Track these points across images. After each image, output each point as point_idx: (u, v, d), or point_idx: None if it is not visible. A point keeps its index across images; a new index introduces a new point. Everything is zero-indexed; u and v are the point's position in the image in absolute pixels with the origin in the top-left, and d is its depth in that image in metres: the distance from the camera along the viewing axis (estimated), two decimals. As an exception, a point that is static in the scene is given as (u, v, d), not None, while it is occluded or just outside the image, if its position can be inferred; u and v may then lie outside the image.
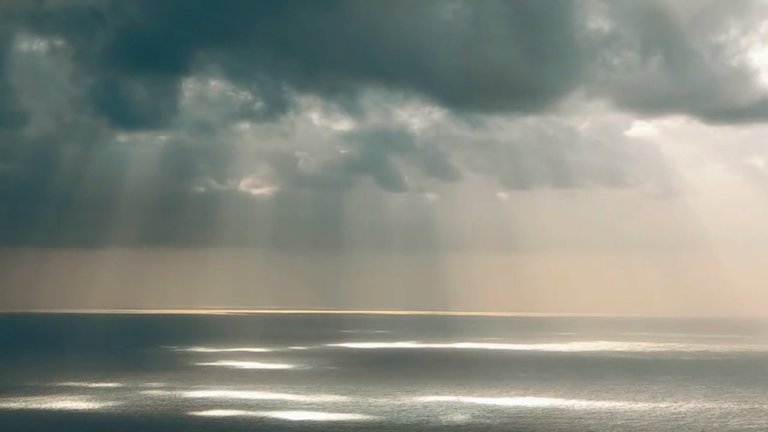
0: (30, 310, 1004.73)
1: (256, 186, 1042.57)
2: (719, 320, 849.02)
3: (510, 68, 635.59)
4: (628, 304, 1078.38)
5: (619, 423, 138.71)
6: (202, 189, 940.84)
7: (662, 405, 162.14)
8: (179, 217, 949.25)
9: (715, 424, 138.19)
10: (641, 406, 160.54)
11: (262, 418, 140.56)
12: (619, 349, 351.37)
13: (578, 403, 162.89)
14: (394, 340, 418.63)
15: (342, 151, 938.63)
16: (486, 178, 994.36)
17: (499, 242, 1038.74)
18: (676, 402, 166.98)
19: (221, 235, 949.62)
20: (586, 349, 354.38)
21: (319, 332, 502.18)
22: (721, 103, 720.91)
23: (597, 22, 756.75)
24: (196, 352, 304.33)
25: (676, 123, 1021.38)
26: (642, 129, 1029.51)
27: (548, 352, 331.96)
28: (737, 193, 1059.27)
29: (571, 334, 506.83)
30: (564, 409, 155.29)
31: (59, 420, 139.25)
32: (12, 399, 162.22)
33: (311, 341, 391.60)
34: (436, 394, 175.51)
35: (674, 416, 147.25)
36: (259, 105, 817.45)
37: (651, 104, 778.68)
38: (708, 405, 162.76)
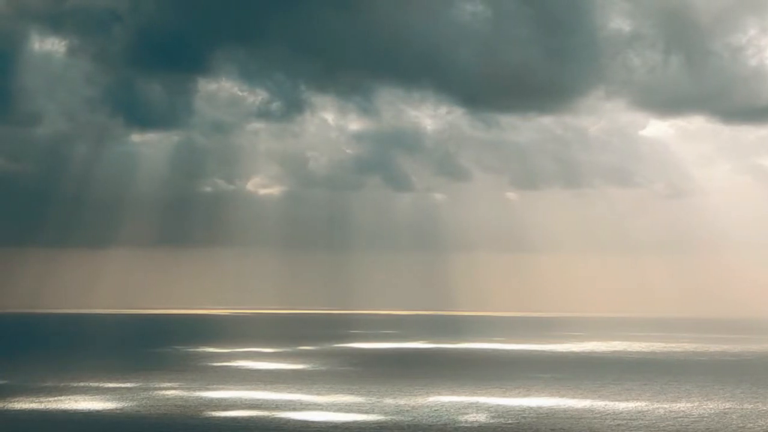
0: (36, 310, 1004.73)
1: (265, 186, 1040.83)
2: (729, 320, 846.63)
3: (529, 68, 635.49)
4: (637, 304, 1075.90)
5: (639, 424, 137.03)
6: (212, 189, 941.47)
7: (680, 406, 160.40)
8: (187, 217, 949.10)
9: (734, 426, 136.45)
10: (660, 407, 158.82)
11: (275, 419, 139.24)
12: (633, 350, 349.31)
13: (596, 404, 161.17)
14: (405, 340, 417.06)
15: (354, 152, 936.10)
16: (496, 178, 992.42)
17: (508, 242, 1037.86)
18: (694, 403, 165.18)
19: (228, 235, 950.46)
20: (600, 349, 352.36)
21: (328, 332, 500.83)
22: (739, 103, 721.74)
23: (617, 22, 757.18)
24: (207, 353, 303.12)
25: (693, 123, 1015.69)
26: (657, 129, 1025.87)
27: (562, 352, 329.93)
28: (748, 193, 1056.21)
29: (582, 334, 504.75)
30: (581, 409, 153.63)
31: (73, 420, 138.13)
32: (25, 399, 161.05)
33: (320, 341, 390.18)
34: (452, 394, 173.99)
35: (694, 418, 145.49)
36: (274, 105, 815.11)
37: (669, 104, 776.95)
38: (727, 406, 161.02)
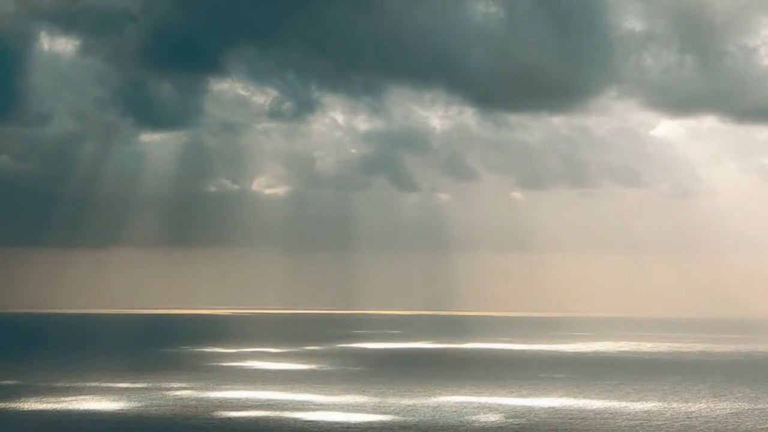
0: (42, 310, 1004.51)
1: (271, 186, 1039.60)
2: (737, 320, 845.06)
3: (541, 68, 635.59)
4: (643, 304, 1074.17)
5: (653, 424, 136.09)
6: (220, 189, 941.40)
7: (692, 407, 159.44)
8: (193, 217, 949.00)
9: (747, 426, 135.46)
10: (672, 407, 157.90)
11: (283, 419, 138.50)
12: (642, 350, 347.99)
13: (608, 404, 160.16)
14: (411, 340, 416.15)
15: (362, 152, 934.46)
16: (502, 178, 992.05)
17: (513, 242, 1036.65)
18: (706, 403, 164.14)
19: (234, 235, 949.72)
20: (609, 349, 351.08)
21: (333, 332, 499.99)
22: (752, 103, 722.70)
23: (631, 22, 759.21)
24: (214, 353, 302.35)
25: (705, 123, 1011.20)
26: (667, 129, 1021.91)
27: (571, 352, 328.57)
28: (755, 192, 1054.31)
29: (589, 334, 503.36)
30: (593, 410, 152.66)
31: (83, 420, 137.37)
32: (35, 399, 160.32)
33: (326, 341, 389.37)
34: (461, 394, 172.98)
35: (707, 418, 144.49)
36: (284, 105, 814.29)
37: (681, 104, 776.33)
38: (739, 406, 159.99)
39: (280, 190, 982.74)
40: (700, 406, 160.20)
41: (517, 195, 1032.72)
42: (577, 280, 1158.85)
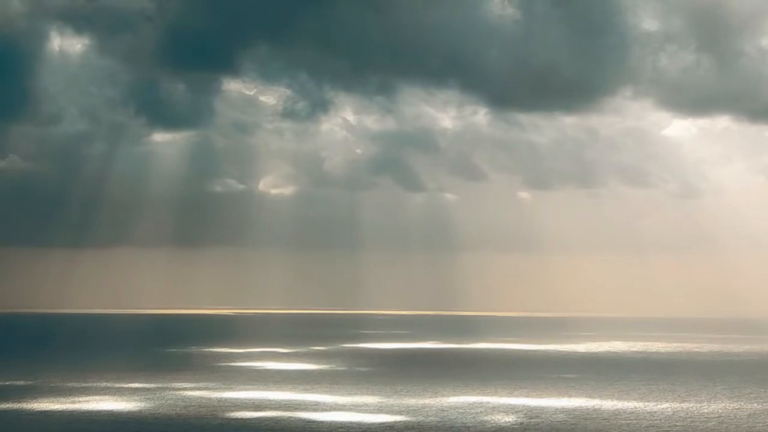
0: (45, 310, 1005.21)
1: (277, 186, 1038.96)
2: (744, 320, 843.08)
3: (556, 69, 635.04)
4: (651, 304, 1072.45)
5: (672, 425, 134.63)
6: (225, 189, 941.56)
7: (713, 407, 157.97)
8: (199, 217, 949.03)
9: (761, 427, 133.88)
10: (685, 407, 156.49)
11: (294, 419, 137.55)
12: (654, 350, 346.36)
13: (627, 405, 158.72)
14: (419, 340, 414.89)
15: (370, 152, 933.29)
16: (511, 178, 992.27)
17: (519, 242, 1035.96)
18: (728, 404, 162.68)
19: (239, 234, 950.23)
20: (621, 349, 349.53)
21: (340, 332, 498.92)
22: (766, 103, 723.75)
23: (648, 22, 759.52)
24: (223, 353, 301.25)
25: (718, 123, 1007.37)
26: (679, 128, 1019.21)
27: (582, 352, 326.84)
28: (762, 192, 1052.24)
29: (597, 334, 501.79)
30: (611, 411, 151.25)
31: (93, 420, 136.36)
32: (45, 399, 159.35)
33: (334, 341, 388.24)
34: (472, 394, 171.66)
35: (730, 419, 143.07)
36: (297, 105, 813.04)
37: (696, 104, 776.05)
38: (757, 407, 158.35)
39: (287, 190, 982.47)
40: (715, 406, 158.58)
41: (524, 195, 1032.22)
42: (585, 280, 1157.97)
